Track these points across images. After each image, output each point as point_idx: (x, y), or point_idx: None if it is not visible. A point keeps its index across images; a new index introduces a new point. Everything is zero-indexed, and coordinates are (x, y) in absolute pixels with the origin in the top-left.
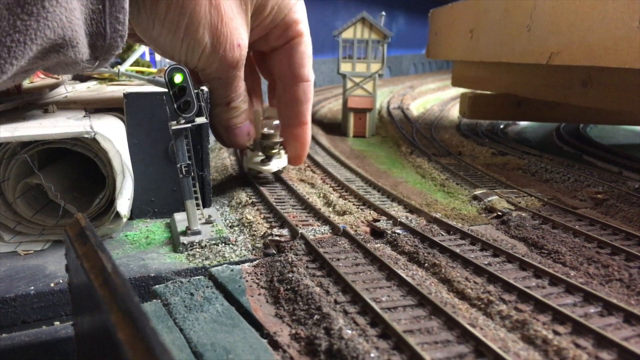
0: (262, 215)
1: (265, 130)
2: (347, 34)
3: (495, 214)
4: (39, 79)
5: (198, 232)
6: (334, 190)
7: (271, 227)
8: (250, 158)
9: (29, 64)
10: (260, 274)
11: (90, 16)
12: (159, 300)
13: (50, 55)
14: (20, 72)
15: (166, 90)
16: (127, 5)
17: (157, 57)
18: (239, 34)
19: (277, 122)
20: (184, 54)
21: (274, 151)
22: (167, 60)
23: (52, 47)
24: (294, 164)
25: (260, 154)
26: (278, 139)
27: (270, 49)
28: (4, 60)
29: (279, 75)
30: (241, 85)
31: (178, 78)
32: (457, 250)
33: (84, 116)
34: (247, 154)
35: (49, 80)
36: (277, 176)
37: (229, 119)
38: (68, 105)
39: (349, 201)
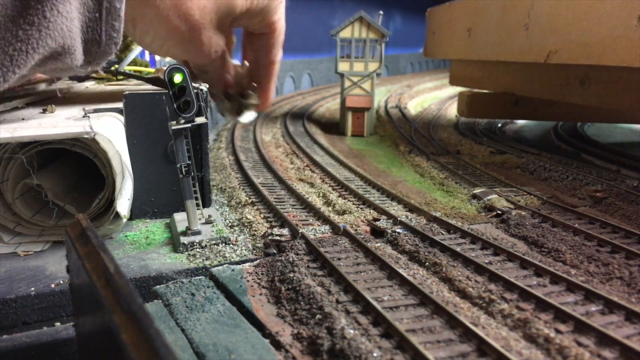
0: (262, 215)
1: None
2: (345, 33)
3: (495, 213)
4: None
5: (198, 232)
6: (333, 189)
7: (271, 227)
8: (227, 107)
9: (29, 70)
10: (261, 274)
11: (86, 24)
12: (160, 301)
13: (48, 62)
14: (19, 78)
15: (164, 89)
16: (122, 14)
17: (157, 57)
18: (217, 42)
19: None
20: (162, 56)
21: (249, 108)
22: (167, 60)
23: (51, 54)
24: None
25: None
26: (255, 101)
27: (251, 32)
28: (7, 68)
29: (256, 52)
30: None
31: (178, 78)
32: (458, 249)
33: (83, 116)
34: (223, 101)
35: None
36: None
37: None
38: (67, 104)
39: (349, 200)
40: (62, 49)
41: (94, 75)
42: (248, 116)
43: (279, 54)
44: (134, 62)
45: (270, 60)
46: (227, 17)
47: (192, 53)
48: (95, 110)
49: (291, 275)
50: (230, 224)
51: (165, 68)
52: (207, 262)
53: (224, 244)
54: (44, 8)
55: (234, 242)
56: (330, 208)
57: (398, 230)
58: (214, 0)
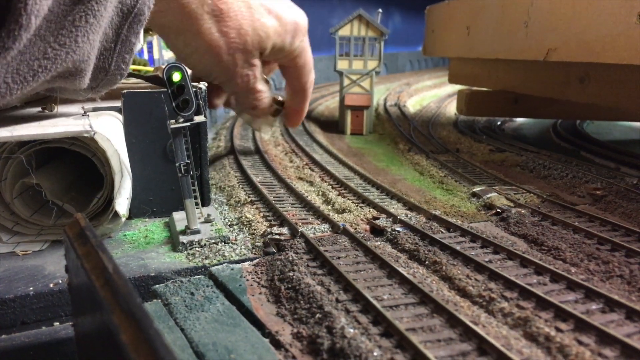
0: (261, 214)
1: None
2: (344, 31)
3: (495, 211)
4: None
5: (197, 231)
6: (332, 188)
7: (271, 226)
8: (257, 121)
9: (39, 85)
10: (261, 273)
11: (101, 52)
12: (160, 300)
13: (58, 80)
14: (30, 90)
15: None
16: (136, 47)
17: (155, 55)
18: (249, 72)
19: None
20: (202, 75)
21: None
22: (165, 58)
23: (64, 73)
24: (293, 126)
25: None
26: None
27: (280, 64)
28: (27, 82)
29: (287, 81)
30: (261, 94)
31: (176, 77)
32: (458, 247)
33: (82, 115)
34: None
35: None
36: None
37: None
38: (65, 102)
39: (348, 199)
40: (76, 70)
41: None
42: (267, 130)
43: (308, 82)
44: (132, 61)
45: (301, 87)
46: (258, 45)
47: (229, 77)
48: (94, 109)
49: (291, 274)
50: (229, 223)
51: (164, 66)
52: (206, 261)
53: (223, 243)
54: (77, 33)
55: (233, 241)
56: (329, 207)
57: (398, 228)
58: (251, 28)
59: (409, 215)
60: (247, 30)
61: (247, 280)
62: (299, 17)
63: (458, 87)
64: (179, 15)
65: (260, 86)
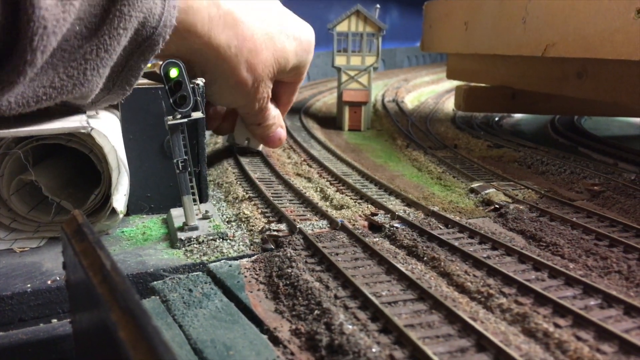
0: (259, 210)
1: None
2: (342, 27)
3: (493, 207)
4: None
5: (195, 228)
6: (330, 184)
7: (269, 222)
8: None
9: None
10: (259, 270)
11: (109, 75)
12: (158, 297)
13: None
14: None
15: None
16: (142, 71)
17: None
18: (264, 94)
19: None
20: (221, 104)
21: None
22: None
23: (71, 98)
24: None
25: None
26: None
27: (279, 81)
28: (29, 106)
29: (279, 96)
30: (269, 112)
31: (174, 72)
32: (456, 243)
33: (79, 111)
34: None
35: None
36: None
37: (263, 133)
38: None
39: (346, 195)
40: (81, 97)
41: None
42: (256, 144)
43: (295, 97)
44: None
45: (289, 101)
46: (279, 72)
47: (248, 103)
48: None
49: (289, 270)
50: (227, 220)
51: (161, 63)
52: (204, 258)
53: (221, 240)
54: (87, 66)
55: (231, 238)
56: (327, 203)
57: (396, 224)
58: (273, 57)
59: (407, 211)
60: (271, 62)
61: (246, 276)
62: (311, 35)
63: (456, 83)
64: (206, 57)
65: (270, 104)
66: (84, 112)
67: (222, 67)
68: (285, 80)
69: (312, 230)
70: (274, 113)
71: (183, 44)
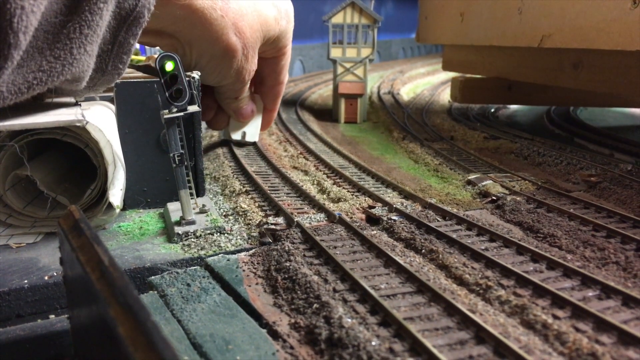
0: (256, 204)
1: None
2: (337, 18)
3: (490, 199)
4: None
5: (192, 222)
6: (327, 177)
7: (266, 216)
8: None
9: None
10: (257, 263)
11: (98, 54)
12: (156, 292)
13: (57, 85)
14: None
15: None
16: (133, 48)
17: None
18: (253, 65)
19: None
20: (212, 82)
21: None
22: (157, 48)
23: (62, 83)
24: (263, 130)
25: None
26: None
27: (263, 57)
28: (22, 93)
29: (265, 75)
30: (247, 86)
31: (169, 66)
32: (454, 235)
33: (74, 105)
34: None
35: None
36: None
37: (237, 106)
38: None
39: (343, 188)
40: (74, 79)
41: None
42: (251, 136)
43: (285, 78)
44: None
45: (279, 82)
46: (266, 37)
47: (238, 75)
48: (86, 99)
49: (287, 264)
50: (224, 213)
51: (156, 56)
52: (202, 252)
53: (218, 234)
54: (72, 45)
55: (228, 232)
56: (325, 196)
57: (393, 217)
58: (258, 22)
59: (404, 204)
60: (258, 27)
61: (244, 270)
62: (289, 5)
63: (452, 74)
64: (191, 23)
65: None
66: (79, 105)
67: (209, 31)
68: (268, 55)
69: (310, 223)
70: (247, 88)
71: (167, 13)
